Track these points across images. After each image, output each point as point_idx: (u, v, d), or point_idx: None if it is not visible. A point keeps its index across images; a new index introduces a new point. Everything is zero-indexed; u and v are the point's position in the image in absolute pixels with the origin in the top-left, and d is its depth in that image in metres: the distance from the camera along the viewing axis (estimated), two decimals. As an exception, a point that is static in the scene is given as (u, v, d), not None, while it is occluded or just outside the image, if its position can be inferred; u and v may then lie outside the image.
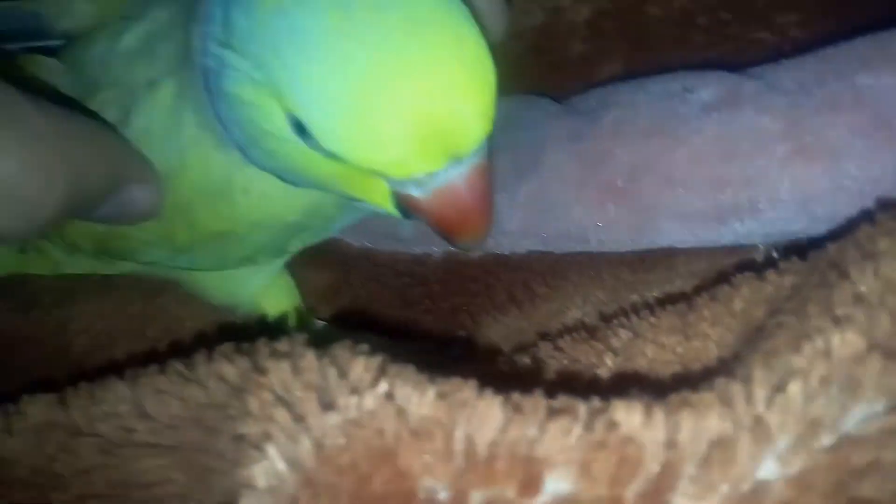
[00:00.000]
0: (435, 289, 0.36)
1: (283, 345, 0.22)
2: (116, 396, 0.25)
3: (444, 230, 0.24)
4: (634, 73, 0.37)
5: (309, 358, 0.20)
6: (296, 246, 0.34)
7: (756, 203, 0.27)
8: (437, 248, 0.35)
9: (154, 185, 0.27)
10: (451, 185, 0.21)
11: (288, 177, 0.25)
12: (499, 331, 0.34)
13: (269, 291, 0.36)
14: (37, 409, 0.26)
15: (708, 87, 0.29)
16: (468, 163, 0.21)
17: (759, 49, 0.35)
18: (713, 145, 0.28)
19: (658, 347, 0.24)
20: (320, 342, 0.23)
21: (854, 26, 0.34)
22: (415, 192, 0.22)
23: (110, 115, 0.28)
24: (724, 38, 0.36)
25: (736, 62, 0.35)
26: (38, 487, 0.25)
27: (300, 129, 0.21)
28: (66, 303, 0.37)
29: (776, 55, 0.35)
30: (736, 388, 0.17)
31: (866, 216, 0.22)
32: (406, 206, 0.23)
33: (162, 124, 0.28)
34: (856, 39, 0.28)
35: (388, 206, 0.23)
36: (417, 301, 0.37)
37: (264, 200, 0.27)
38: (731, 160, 0.27)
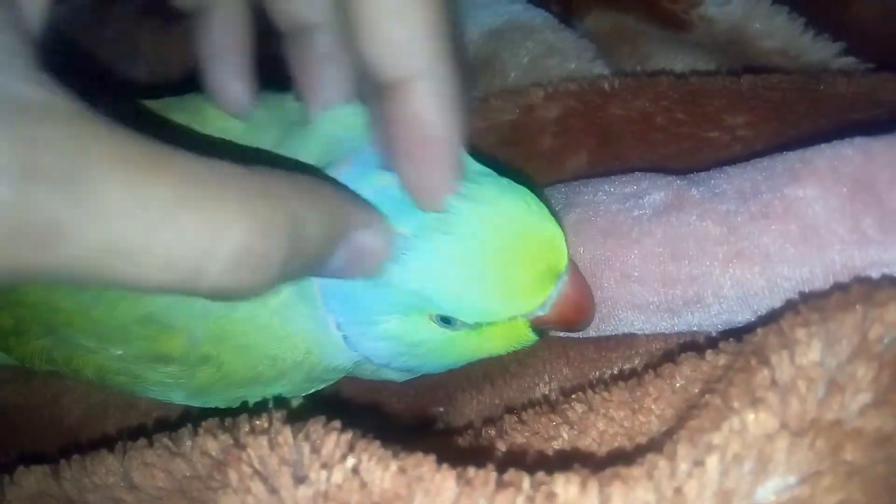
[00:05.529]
0: (415, 366, 0.38)
1: (262, 421, 0.24)
2: (106, 468, 0.27)
3: (569, 325, 0.30)
4: (599, 165, 0.40)
5: (285, 434, 0.22)
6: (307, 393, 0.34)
7: (703, 298, 0.29)
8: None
9: (382, 227, 0.25)
10: (564, 292, 0.28)
11: (424, 367, 0.32)
12: (473, 406, 0.35)
13: None
14: (31, 479, 0.28)
15: (659, 191, 0.32)
16: (566, 271, 0.28)
17: (710, 147, 0.38)
18: (663, 246, 0.30)
19: (608, 421, 0.26)
20: (298, 417, 0.25)
21: (795, 129, 0.37)
22: (541, 313, 0.28)
23: None
24: (680, 137, 0.39)
25: (689, 158, 0.39)
26: (30, 555, 0.26)
27: (446, 321, 0.28)
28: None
29: (726, 152, 0.38)
30: (662, 463, 0.19)
31: (790, 306, 0.25)
32: (538, 325, 0.29)
33: None
34: (787, 153, 0.30)
35: (525, 337, 0.30)
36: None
37: (296, 352, 0.30)
38: (679, 260, 0.30)
